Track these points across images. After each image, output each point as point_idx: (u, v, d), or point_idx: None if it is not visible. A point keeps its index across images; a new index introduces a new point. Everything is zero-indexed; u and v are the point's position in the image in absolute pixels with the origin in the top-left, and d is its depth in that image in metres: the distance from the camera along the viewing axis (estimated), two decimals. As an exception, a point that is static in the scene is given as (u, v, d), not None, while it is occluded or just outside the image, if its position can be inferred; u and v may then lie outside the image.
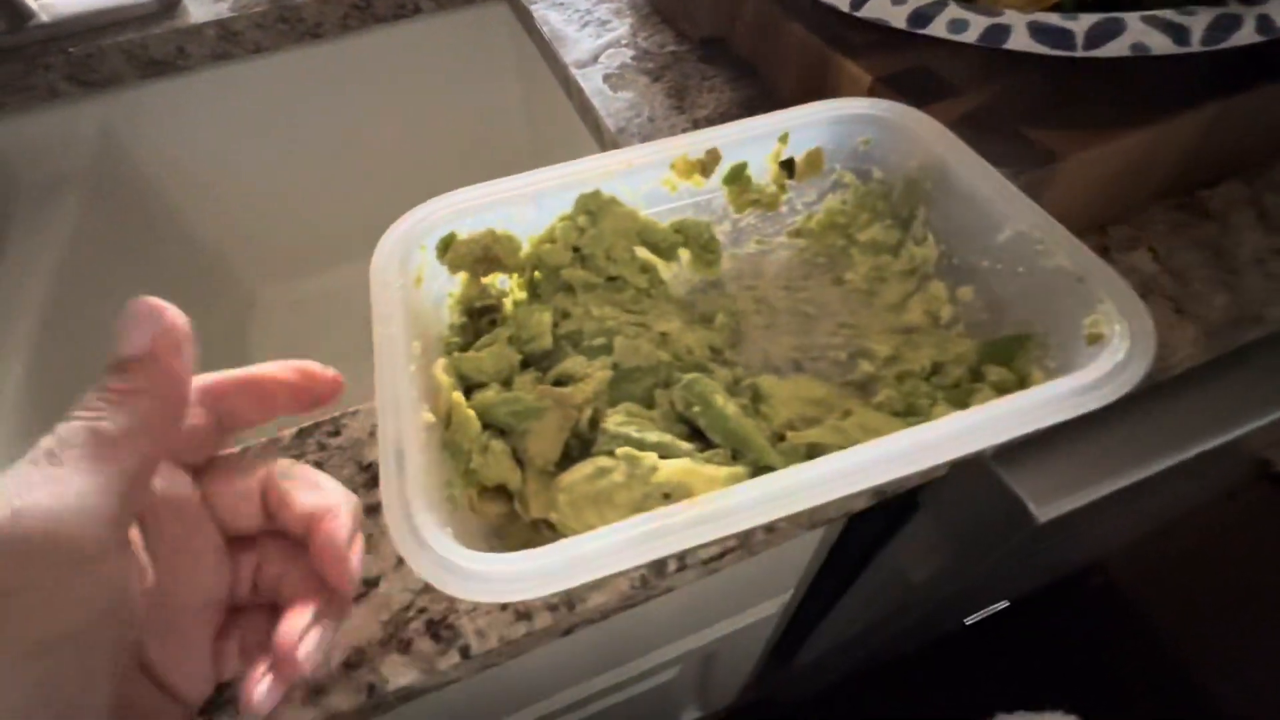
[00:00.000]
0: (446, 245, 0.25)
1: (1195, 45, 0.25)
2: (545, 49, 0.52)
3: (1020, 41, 0.26)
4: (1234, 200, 0.32)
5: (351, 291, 0.80)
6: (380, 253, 0.23)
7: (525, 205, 0.26)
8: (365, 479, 0.26)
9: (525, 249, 0.27)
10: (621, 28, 0.50)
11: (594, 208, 0.26)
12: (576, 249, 0.27)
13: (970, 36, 0.27)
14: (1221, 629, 0.87)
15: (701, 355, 0.26)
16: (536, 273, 0.28)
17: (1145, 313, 0.19)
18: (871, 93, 0.30)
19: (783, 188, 0.29)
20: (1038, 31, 0.26)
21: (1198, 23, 0.25)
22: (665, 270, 0.30)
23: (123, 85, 0.58)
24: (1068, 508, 0.30)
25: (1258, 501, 0.96)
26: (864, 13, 0.29)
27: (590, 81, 0.45)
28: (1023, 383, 0.23)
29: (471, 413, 0.21)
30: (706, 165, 0.28)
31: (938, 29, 0.27)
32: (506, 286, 0.28)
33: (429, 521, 0.16)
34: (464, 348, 0.26)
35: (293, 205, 0.74)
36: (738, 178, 0.28)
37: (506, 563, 0.16)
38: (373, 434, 0.27)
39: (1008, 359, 0.24)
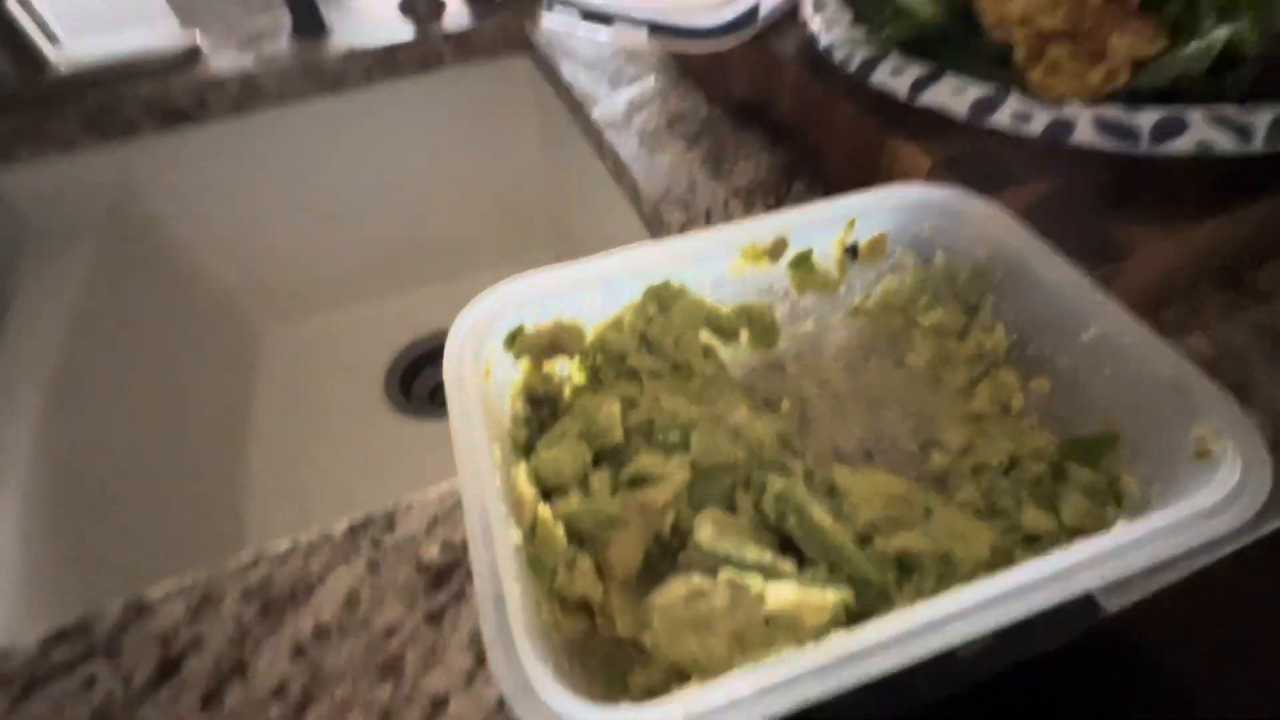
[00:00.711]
0: (514, 337, 0.25)
1: (1259, 145, 0.26)
2: (574, 107, 0.52)
3: (1085, 137, 0.27)
4: (1280, 281, 0.33)
5: (357, 333, 0.79)
6: (453, 346, 0.23)
7: (592, 291, 0.26)
8: (425, 581, 0.24)
9: (589, 337, 0.26)
10: (652, 89, 0.50)
11: (664, 297, 0.26)
12: (644, 336, 0.26)
13: (1034, 130, 0.27)
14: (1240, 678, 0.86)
15: (772, 447, 0.25)
16: (599, 358, 0.27)
17: (1255, 431, 0.19)
18: (931, 175, 0.30)
19: (844, 270, 0.29)
20: (1103, 127, 0.26)
21: (1261, 120, 0.26)
22: (724, 351, 0.29)
23: (140, 134, 0.57)
24: (1137, 595, 0.29)
25: None
26: (923, 102, 0.29)
27: (625, 145, 0.45)
28: (1112, 486, 0.22)
29: (559, 529, 0.20)
30: (774, 251, 0.27)
31: (1001, 121, 0.28)
32: (565, 372, 0.27)
33: (541, 672, 0.15)
34: (529, 440, 0.25)
35: (303, 248, 0.73)
36: (803, 263, 0.28)
37: (630, 715, 0.14)
38: (430, 529, 0.26)
39: (1093, 460, 0.23)
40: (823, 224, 0.27)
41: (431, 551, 0.25)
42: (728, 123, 0.45)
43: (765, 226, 0.27)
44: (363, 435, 0.70)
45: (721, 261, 0.27)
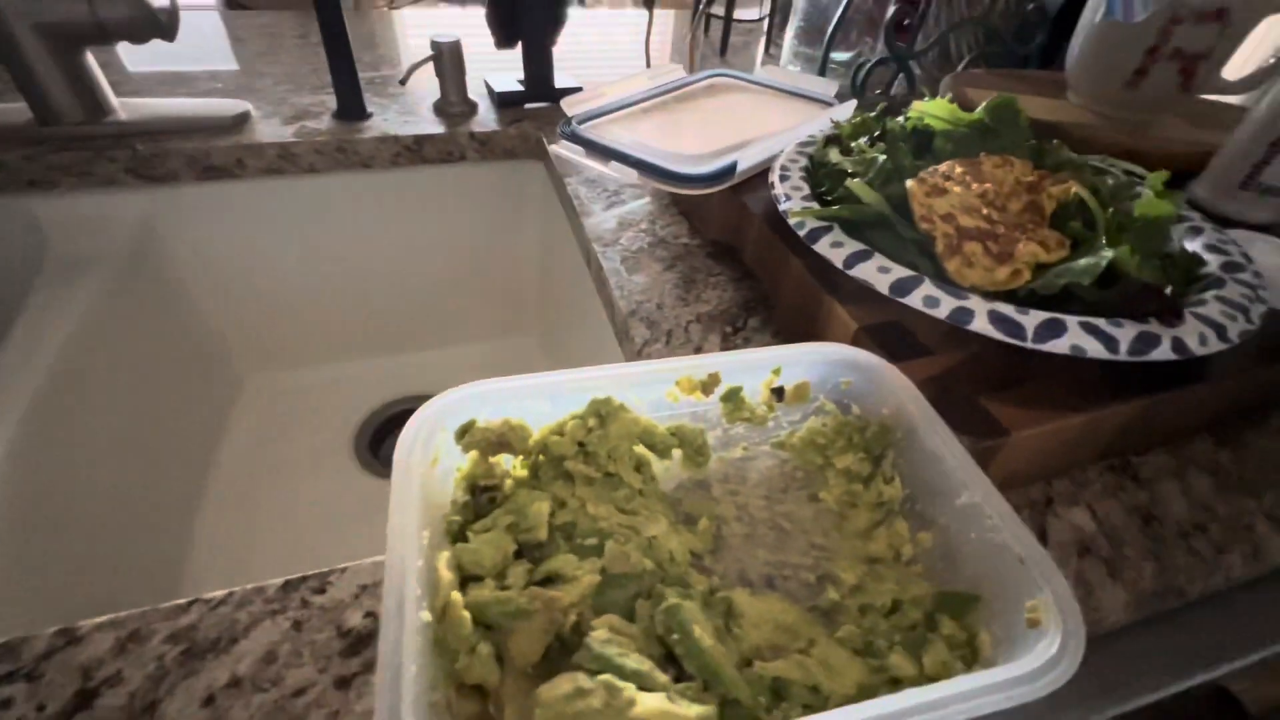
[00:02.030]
0: (465, 430, 0.28)
1: (1123, 354, 0.30)
2: (573, 216, 0.58)
3: (981, 325, 0.31)
4: (1161, 470, 0.37)
5: (335, 389, 0.81)
6: (405, 436, 0.26)
7: (541, 399, 0.29)
8: (343, 646, 0.26)
9: (535, 436, 0.30)
10: (642, 213, 0.56)
11: (604, 412, 0.29)
12: (582, 444, 0.29)
13: (941, 313, 0.32)
14: None
15: (683, 560, 0.28)
16: (541, 457, 0.30)
17: (1078, 613, 0.22)
18: (855, 339, 0.35)
19: (771, 408, 0.33)
20: (996, 319, 0.31)
21: (1125, 335, 0.31)
22: (657, 465, 0.32)
23: (176, 183, 0.63)
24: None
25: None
26: (854, 274, 0.34)
27: (610, 260, 0.50)
28: (970, 641, 0.25)
29: (466, 614, 0.22)
30: (707, 385, 0.31)
31: (914, 301, 0.32)
32: (510, 465, 0.30)
33: (418, 747, 0.17)
34: (464, 525, 0.27)
35: (298, 304, 0.77)
36: (733, 398, 0.32)
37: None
38: (358, 596, 0.28)
39: (958, 614, 0.26)
40: (752, 368, 0.31)
41: (355, 618, 0.27)
42: (703, 254, 0.51)
43: (701, 363, 0.31)
44: (325, 488, 0.71)
45: (660, 388, 0.31)
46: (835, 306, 0.36)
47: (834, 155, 0.43)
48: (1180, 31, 0.51)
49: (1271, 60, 0.53)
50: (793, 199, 0.40)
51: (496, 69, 0.78)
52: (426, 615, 0.21)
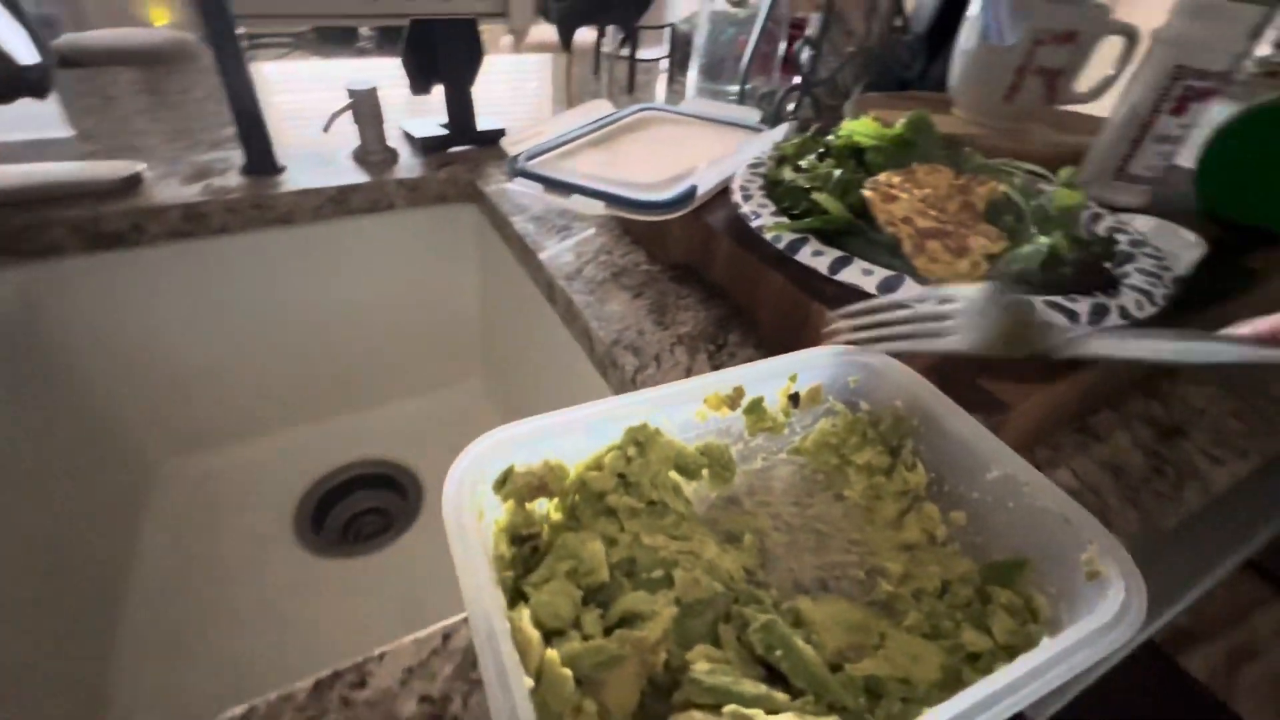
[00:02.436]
0: (505, 478, 0.26)
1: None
2: (525, 256, 0.56)
3: (965, 313, 0.34)
4: (1112, 426, 0.41)
5: (265, 465, 0.74)
6: (449, 495, 0.24)
7: (576, 435, 0.28)
8: (404, 740, 0.23)
9: (571, 475, 0.28)
10: (595, 244, 0.56)
11: (642, 439, 0.28)
12: (622, 475, 0.28)
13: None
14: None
15: (740, 580, 0.28)
16: (577, 497, 0.29)
17: (1128, 555, 0.23)
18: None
19: (788, 415, 0.34)
20: (976, 307, 0.34)
21: (1082, 308, 0.34)
22: (687, 487, 0.32)
23: (60, 255, 0.55)
24: (1054, 708, 0.33)
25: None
26: (840, 278, 0.36)
27: (578, 293, 0.49)
28: (1028, 604, 0.26)
29: (567, 672, 0.20)
30: (733, 399, 0.31)
31: (901, 297, 0.35)
32: (544, 509, 0.28)
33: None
34: (517, 580, 0.25)
35: (213, 376, 0.70)
36: (755, 409, 0.32)
37: None
38: (406, 682, 0.25)
39: (1008, 581, 0.27)
40: (771, 377, 0.32)
41: (408, 707, 0.24)
42: (666, 279, 0.52)
43: (725, 378, 0.31)
44: (268, 579, 0.63)
45: (689, 408, 0.30)
46: (825, 312, 0.38)
47: (788, 174, 0.46)
48: (1042, 51, 0.59)
49: (1111, 73, 0.63)
50: (762, 216, 0.42)
51: (400, 115, 0.76)
52: (529, 681, 0.19)
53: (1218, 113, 0.53)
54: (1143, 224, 0.49)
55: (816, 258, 0.37)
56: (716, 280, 0.48)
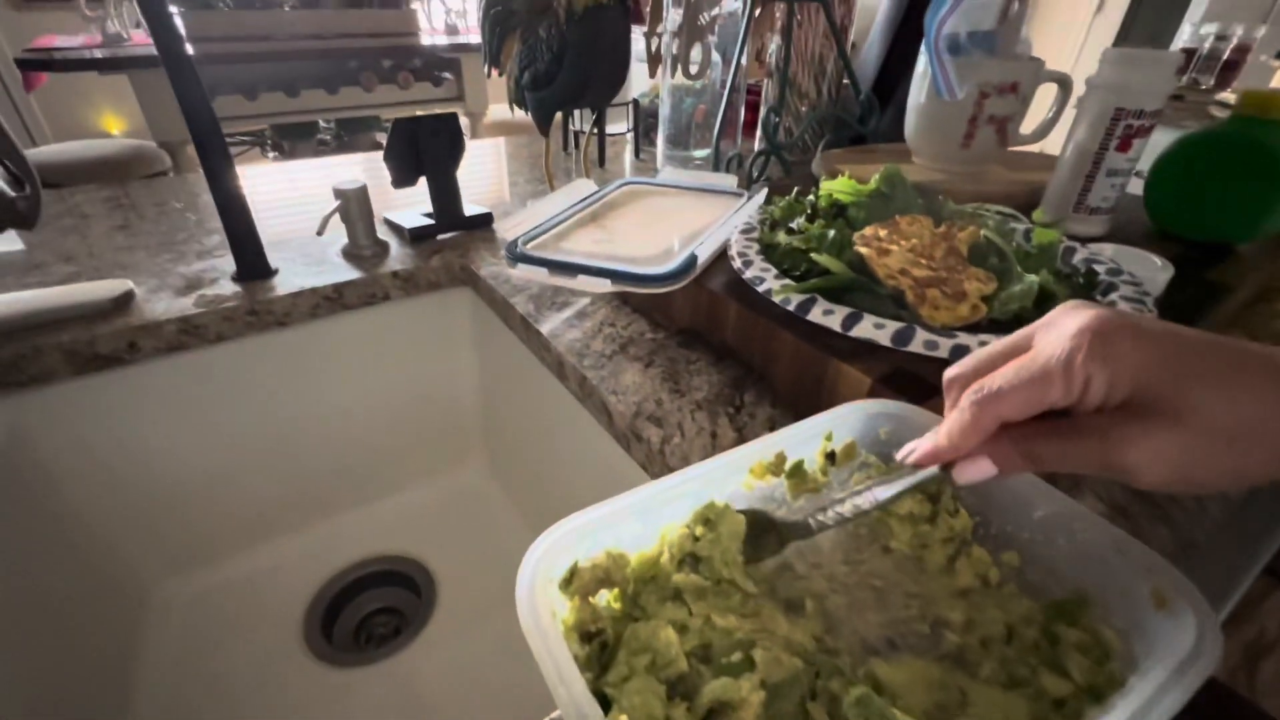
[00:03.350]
0: (570, 576, 0.26)
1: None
2: (532, 336, 0.57)
3: (979, 357, 0.35)
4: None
5: (264, 577, 0.70)
6: (522, 601, 0.23)
7: (631, 521, 0.28)
8: None
9: (632, 563, 0.28)
10: (597, 317, 0.57)
11: (712, 515, 0.29)
12: (693, 554, 0.28)
13: (942, 353, 0.36)
14: None
15: (812, 649, 0.27)
16: (635, 584, 0.28)
17: (1189, 583, 0.24)
18: (872, 391, 0.38)
19: (826, 474, 0.34)
20: (988, 350, 0.35)
21: (1084, 341, 0.36)
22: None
23: (51, 382, 0.54)
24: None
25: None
26: (854, 334, 0.38)
27: (591, 369, 0.50)
28: (1098, 639, 0.27)
29: (679, 780, 0.20)
30: (776, 466, 0.32)
31: (916, 347, 0.36)
32: (604, 601, 0.28)
33: None
34: (596, 681, 0.25)
35: (208, 490, 0.67)
36: (797, 472, 0.33)
37: None
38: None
39: (1073, 620, 0.28)
40: (808, 439, 0.33)
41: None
42: (674, 345, 0.53)
43: (768, 446, 0.31)
44: (280, 696, 0.60)
45: (736, 479, 0.31)
46: (842, 367, 0.39)
47: (782, 237, 0.48)
48: (989, 102, 0.64)
49: (1050, 116, 0.69)
50: (767, 279, 0.43)
51: (378, 207, 0.78)
52: (643, 793, 0.19)
53: (1156, 141, 0.58)
54: (1113, 252, 0.52)
55: (828, 316, 0.39)
56: (725, 343, 0.50)
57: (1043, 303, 0.41)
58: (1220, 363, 0.21)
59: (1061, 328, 0.24)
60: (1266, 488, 0.42)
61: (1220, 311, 0.51)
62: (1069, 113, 0.64)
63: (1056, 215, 0.61)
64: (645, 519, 0.28)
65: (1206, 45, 1.84)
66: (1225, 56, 1.82)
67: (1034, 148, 0.73)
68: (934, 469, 0.26)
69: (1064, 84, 0.66)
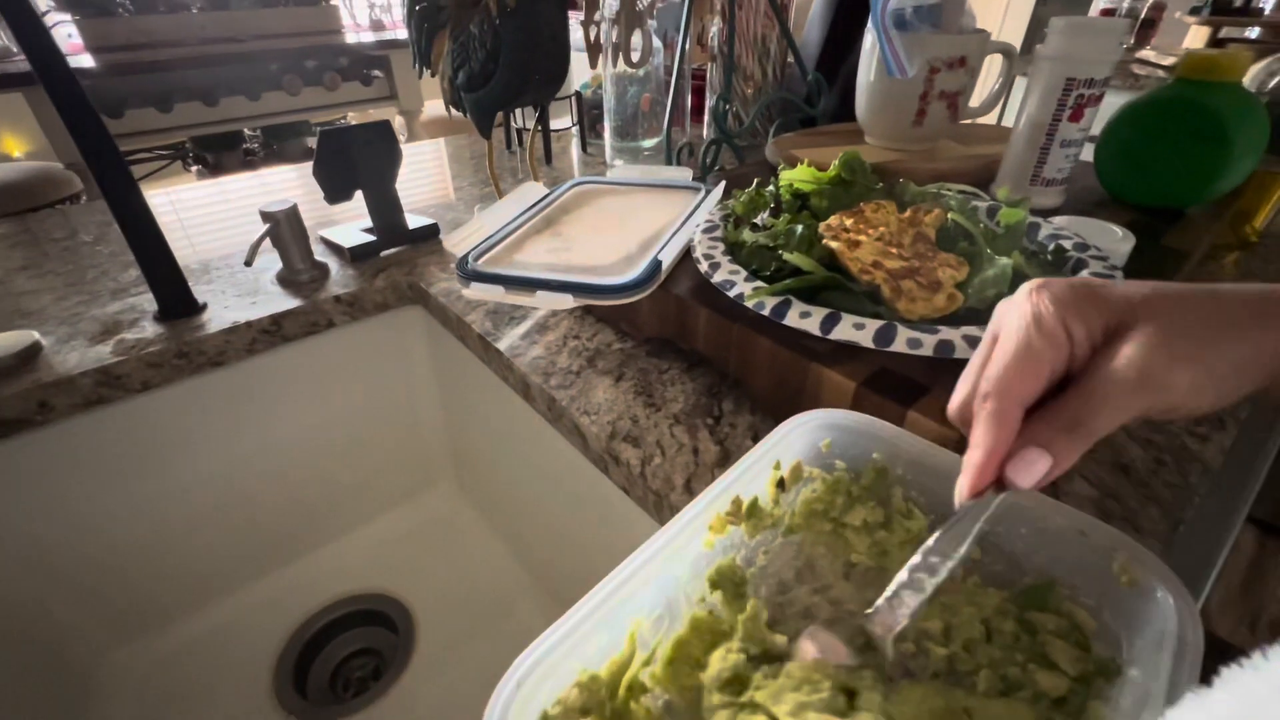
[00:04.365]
0: None
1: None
2: (491, 355, 0.54)
3: (963, 351, 0.34)
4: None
5: (225, 632, 0.66)
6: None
7: (596, 634, 0.24)
8: None
9: (604, 678, 0.24)
10: (560, 330, 0.54)
11: (732, 581, 0.27)
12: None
13: (926, 351, 0.34)
14: None
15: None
16: (612, 705, 0.25)
17: (1150, 553, 0.24)
18: (857, 396, 0.36)
19: (777, 503, 0.32)
20: (973, 343, 0.34)
21: (1065, 325, 0.35)
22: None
23: (-49, 455, 0.48)
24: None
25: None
26: (834, 336, 0.36)
27: (558, 389, 0.47)
28: (1072, 621, 0.26)
29: None
30: (734, 514, 0.29)
31: (899, 346, 0.35)
32: None
33: None
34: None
35: (155, 547, 0.62)
36: (755, 513, 0.30)
37: None
38: None
39: (1042, 604, 0.27)
40: (758, 473, 0.30)
41: None
42: (644, 355, 0.50)
43: (720, 494, 0.29)
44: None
45: (698, 543, 0.28)
46: (824, 372, 0.37)
47: (747, 235, 0.46)
48: (939, 78, 0.63)
49: (996, 87, 0.68)
50: (737, 283, 0.41)
51: (311, 225, 0.73)
52: None
53: (1105, 109, 0.58)
54: (1076, 225, 0.52)
55: (805, 319, 0.37)
56: (696, 350, 0.47)
57: (1018, 285, 0.40)
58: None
59: (1016, 303, 0.25)
60: (1244, 439, 0.42)
61: (1178, 277, 0.52)
62: (1015, 83, 0.64)
63: (1015, 190, 0.61)
64: (610, 626, 0.25)
65: (1125, 5, 1.90)
66: (1143, 15, 1.88)
67: (983, 120, 0.73)
68: (992, 494, 0.24)
69: (1009, 54, 0.66)
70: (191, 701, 0.60)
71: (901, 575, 0.25)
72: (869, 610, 0.25)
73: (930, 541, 0.25)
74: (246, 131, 2.48)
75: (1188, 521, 0.37)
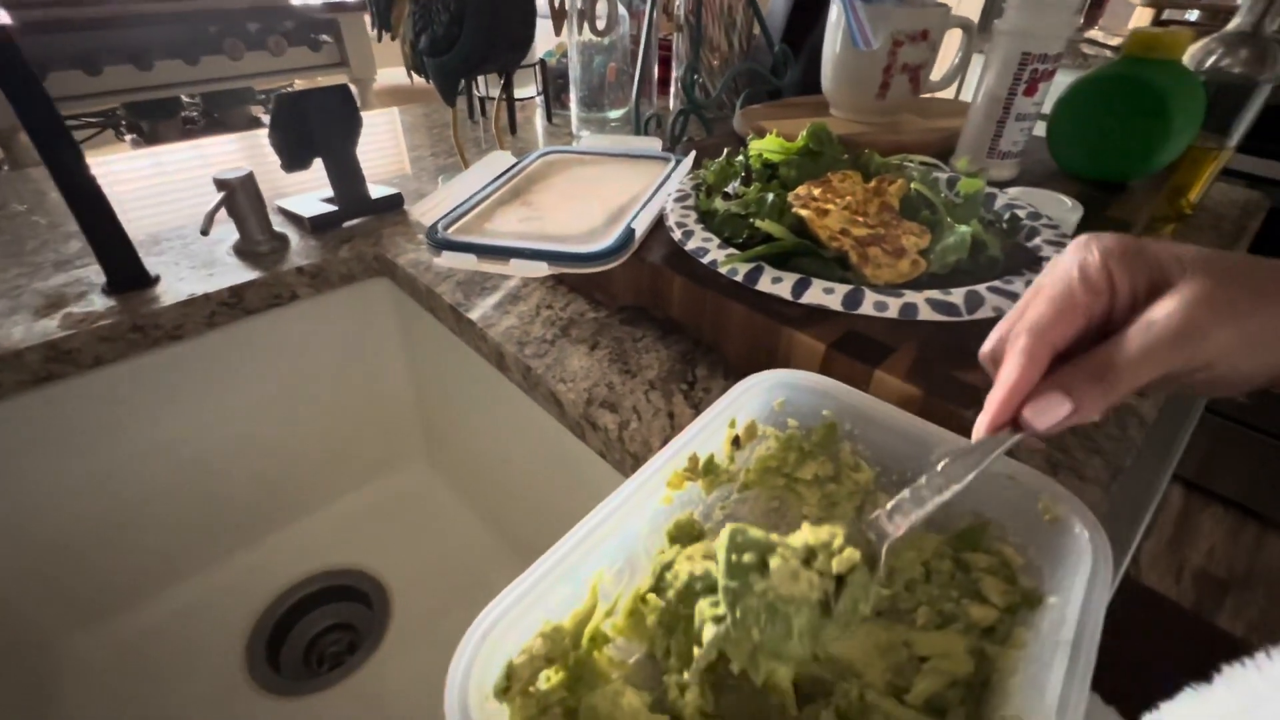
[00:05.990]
0: (507, 682, 0.23)
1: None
2: (464, 327, 0.53)
3: (927, 314, 0.36)
4: (1052, 383, 0.45)
5: (194, 611, 0.64)
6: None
7: (559, 586, 0.25)
8: None
9: (569, 630, 0.26)
10: (533, 300, 0.54)
11: (690, 535, 0.28)
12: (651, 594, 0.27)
13: (892, 314, 0.36)
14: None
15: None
16: (575, 654, 0.26)
17: (1069, 493, 0.26)
18: (826, 358, 0.38)
19: (732, 460, 0.33)
20: (935, 305, 0.36)
21: (1019, 289, 0.37)
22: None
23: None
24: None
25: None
26: (805, 300, 0.37)
27: (533, 358, 0.47)
28: (1002, 557, 0.28)
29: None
30: (691, 470, 0.31)
31: (867, 309, 0.36)
32: (542, 686, 0.24)
33: None
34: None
35: (115, 527, 0.60)
36: (711, 469, 0.32)
37: None
38: None
39: (975, 544, 0.29)
40: (713, 431, 0.31)
41: None
42: (618, 323, 0.51)
43: (677, 451, 0.30)
44: (229, 741, 0.55)
45: (656, 498, 0.29)
46: (795, 335, 0.38)
47: (719, 203, 0.47)
48: (903, 51, 0.64)
49: (956, 62, 0.70)
50: (710, 250, 0.42)
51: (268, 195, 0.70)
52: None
53: (1056, 86, 0.61)
54: (1029, 196, 0.54)
55: (777, 284, 0.38)
56: (670, 317, 0.48)
57: (976, 252, 0.41)
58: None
59: (1064, 255, 0.25)
60: (1171, 402, 0.46)
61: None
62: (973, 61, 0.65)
63: (973, 162, 0.63)
64: (573, 579, 0.26)
65: (1076, -16, 1.95)
66: (1092, -5, 1.94)
67: (943, 94, 0.75)
68: (1007, 433, 0.24)
69: (968, 29, 0.67)
70: (163, 682, 0.59)
71: (905, 492, 0.26)
72: (870, 517, 0.26)
73: (939, 466, 0.25)
74: (184, 98, 2.34)
75: (1122, 475, 0.40)
